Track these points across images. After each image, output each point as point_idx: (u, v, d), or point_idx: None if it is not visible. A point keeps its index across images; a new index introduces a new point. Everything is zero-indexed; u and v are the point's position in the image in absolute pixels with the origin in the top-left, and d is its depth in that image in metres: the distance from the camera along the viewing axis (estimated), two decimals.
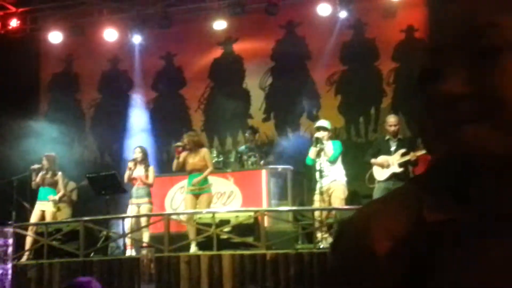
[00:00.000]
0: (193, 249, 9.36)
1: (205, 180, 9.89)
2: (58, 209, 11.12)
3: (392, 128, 9.63)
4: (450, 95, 0.90)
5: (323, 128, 9.59)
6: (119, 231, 10.34)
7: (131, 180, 10.22)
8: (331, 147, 9.46)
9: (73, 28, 13.16)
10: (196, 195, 9.82)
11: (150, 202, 10.23)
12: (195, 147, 9.96)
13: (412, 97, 11.99)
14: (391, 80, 12.49)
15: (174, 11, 12.87)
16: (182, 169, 10.00)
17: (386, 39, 12.58)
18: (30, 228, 10.38)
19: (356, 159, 10.46)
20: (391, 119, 9.77)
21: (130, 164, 10.28)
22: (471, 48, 0.90)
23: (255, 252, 8.82)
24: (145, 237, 9.92)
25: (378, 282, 0.94)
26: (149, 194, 10.25)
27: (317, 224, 9.28)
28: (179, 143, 10.14)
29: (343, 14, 11.89)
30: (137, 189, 10.19)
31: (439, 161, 0.98)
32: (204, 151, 10.07)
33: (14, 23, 13.67)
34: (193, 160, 9.87)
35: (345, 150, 9.81)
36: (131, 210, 10.17)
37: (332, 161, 9.38)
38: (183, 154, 9.95)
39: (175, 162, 10.06)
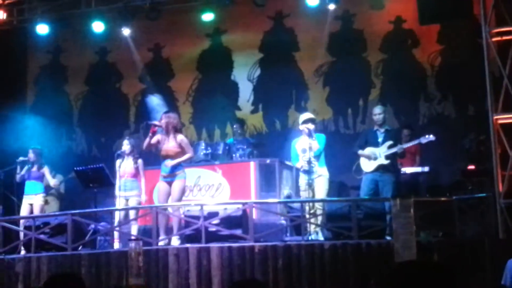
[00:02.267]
0: (175, 242, 9.30)
1: (179, 166, 9.50)
2: (46, 202, 11.10)
3: (377, 117, 9.65)
4: None
5: (312, 120, 9.56)
6: (108, 224, 10.32)
7: (152, 147, 9.68)
8: (317, 141, 9.42)
9: (61, 20, 13.06)
10: (169, 182, 9.45)
11: (138, 195, 10.20)
12: (172, 130, 9.46)
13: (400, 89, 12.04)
14: (379, 71, 12.48)
15: (162, 2, 12.79)
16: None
17: (374, 30, 12.56)
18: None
19: (344, 151, 10.48)
20: (376, 110, 9.80)
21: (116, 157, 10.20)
22: None
23: (243, 245, 8.81)
24: (133, 230, 9.89)
25: None
26: (137, 187, 10.22)
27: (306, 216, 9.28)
28: (155, 122, 9.62)
29: (331, 6, 11.85)
30: (125, 182, 10.13)
31: None
32: (181, 137, 9.56)
33: (0, 15, 13.56)
34: (168, 145, 9.45)
35: (333, 141, 9.83)
36: (119, 203, 10.12)
37: (318, 156, 9.35)
38: (157, 136, 9.47)
39: (146, 140, 9.52)
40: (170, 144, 9.46)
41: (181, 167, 9.53)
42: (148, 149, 9.69)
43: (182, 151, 9.46)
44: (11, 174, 11.07)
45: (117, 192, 10.15)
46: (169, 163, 9.40)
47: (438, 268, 2.84)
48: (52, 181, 10.98)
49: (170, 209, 9.50)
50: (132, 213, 10.10)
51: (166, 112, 9.87)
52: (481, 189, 9.42)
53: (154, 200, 10.21)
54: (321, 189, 9.33)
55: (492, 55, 9.54)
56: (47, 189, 11.21)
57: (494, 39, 9.64)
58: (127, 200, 10.12)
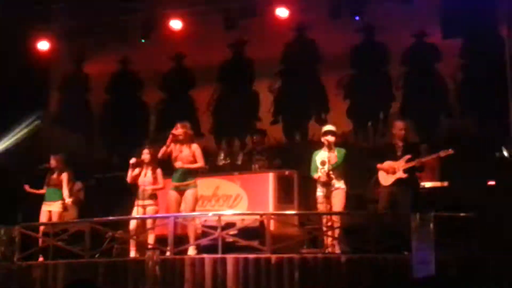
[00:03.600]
0: (191, 252, 9.30)
1: (191, 176, 9.55)
2: (65, 210, 11.15)
3: (400, 133, 9.57)
4: None
5: (332, 133, 9.50)
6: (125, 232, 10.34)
7: (134, 180, 10.10)
8: (336, 154, 9.36)
9: (84, 28, 13.14)
10: (181, 192, 9.51)
11: (156, 204, 10.19)
12: (187, 140, 9.57)
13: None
14: (401, 84, 12.42)
15: (185, 12, 12.83)
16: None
17: (396, 43, 12.51)
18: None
19: (363, 164, 10.41)
20: (399, 124, 9.70)
21: (132, 161, 10.20)
22: None
23: (259, 256, 8.78)
24: (150, 238, 9.89)
25: None
26: (155, 196, 10.22)
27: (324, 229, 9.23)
28: (174, 131, 9.67)
29: (353, 18, 11.82)
30: (143, 191, 10.15)
31: None
32: (195, 146, 9.63)
33: None
34: (181, 155, 9.54)
35: (352, 154, 9.73)
36: (137, 211, 10.13)
37: (336, 169, 9.29)
38: (172, 145, 9.58)
39: (163, 149, 9.61)
40: (184, 153, 9.54)
41: (193, 176, 9.55)
42: (165, 158, 9.71)
43: (195, 161, 9.51)
44: (32, 181, 11.14)
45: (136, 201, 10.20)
46: (179, 164, 9.46)
47: (456, 284, 2.81)
48: (66, 192, 10.99)
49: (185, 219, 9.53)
50: (149, 222, 10.09)
51: (181, 121, 9.88)
52: (501, 206, 9.30)
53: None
54: (339, 202, 9.27)
55: None
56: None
57: None
58: (144, 208, 10.12)
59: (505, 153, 10.05)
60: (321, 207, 9.27)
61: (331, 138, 9.37)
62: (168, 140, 9.59)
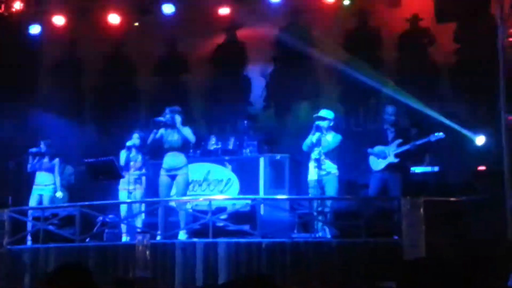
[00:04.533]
0: (182, 236, 9.28)
1: (182, 160, 9.48)
2: (56, 193, 11.12)
3: (389, 117, 9.56)
4: None
5: (323, 118, 9.50)
6: (116, 217, 10.33)
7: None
8: (330, 138, 9.36)
9: (77, 11, 13.07)
10: (172, 176, 9.45)
11: (143, 188, 10.20)
12: (177, 124, 9.46)
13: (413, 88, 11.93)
14: (393, 69, 12.38)
15: None
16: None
17: (390, 28, 12.46)
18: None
19: (354, 149, 10.40)
20: (389, 109, 9.70)
21: (126, 149, 10.22)
22: None
23: (251, 241, 8.77)
24: (139, 222, 9.87)
25: None
26: (141, 181, 10.22)
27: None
28: (160, 118, 9.61)
29: (347, 2, 11.77)
30: (130, 175, 10.14)
31: None
32: (185, 129, 9.51)
33: (17, 5, 13.61)
34: (172, 139, 9.51)
35: (343, 139, 9.70)
36: (123, 195, 10.12)
37: (327, 152, 9.28)
38: (161, 130, 9.51)
39: (151, 137, 9.56)
40: (174, 137, 9.48)
41: (184, 161, 9.51)
42: (153, 145, 9.68)
43: (186, 144, 9.46)
44: (22, 165, 11.11)
45: (121, 185, 10.20)
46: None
47: (450, 265, 2.80)
48: (58, 181, 10.99)
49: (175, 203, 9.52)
50: (138, 206, 10.09)
51: (170, 106, 9.81)
52: (491, 190, 9.31)
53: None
54: (330, 186, 9.26)
55: (508, 55, 9.43)
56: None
57: (511, 39, 9.53)
58: (131, 193, 10.10)
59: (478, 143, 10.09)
60: (312, 191, 9.27)
61: (322, 123, 9.36)
62: (155, 128, 9.51)
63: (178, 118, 9.50)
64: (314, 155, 9.26)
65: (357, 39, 12.64)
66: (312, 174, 9.32)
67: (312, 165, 9.31)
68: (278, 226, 9.35)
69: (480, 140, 10.39)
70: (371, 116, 12.31)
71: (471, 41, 11.82)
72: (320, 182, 9.19)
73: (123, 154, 10.24)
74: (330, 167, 9.31)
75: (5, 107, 12.69)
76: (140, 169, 10.26)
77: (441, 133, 9.41)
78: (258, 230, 8.89)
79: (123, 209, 10.09)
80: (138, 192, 10.16)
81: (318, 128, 9.32)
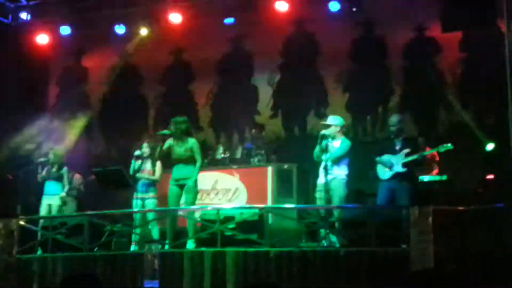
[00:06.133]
0: (190, 245, 9.30)
1: (190, 170, 9.43)
2: (64, 203, 11.16)
3: (392, 129, 9.52)
4: None
5: (329, 126, 9.51)
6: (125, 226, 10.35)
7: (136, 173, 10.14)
8: (337, 145, 9.37)
9: (84, 21, 13.16)
10: (181, 186, 9.42)
11: (155, 197, 10.22)
12: (183, 135, 9.42)
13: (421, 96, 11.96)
14: (400, 78, 12.40)
15: (184, 6, 12.82)
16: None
17: (396, 37, 12.48)
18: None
19: (362, 157, 10.39)
20: (392, 120, 9.65)
21: (135, 158, 10.26)
22: None
23: (258, 250, 8.77)
24: (155, 232, 9.92)
25: None
26: (154, 189, 10.24)
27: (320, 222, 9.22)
28: (165, 131, 9.55)
29: (353, 11, 11.79)
30: (142, 184, 10.18)
31: None
32: (192, 141, 9.48)
33: (24, 16, 13.71)
34: (179, 150, 9.43)
35: (351, 148, 9.69)
36: (136, 204, 10.15)
37: (334, 159, 9.28)
38: (168, 142, 9.45)
39: (157, 149, 9.55)
40: (181, 148, 9.45)
41: (193, 171, 9.47)
42: (161, 158, 9.71)
43: (193, 156, 9.43)
44: (30, 174, 11.15)
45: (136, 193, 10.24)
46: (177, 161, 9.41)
47: (456, 277, 2.81)
48: (66, 187, 11.03)
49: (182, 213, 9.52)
50: (149, 216, 10.13)
51: (175, 117, 9.76)
52: (500, 200, 9.30)
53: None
54: (336, 191, 9.25)
55: None
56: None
57: None
58: (143, 201, 10.15)
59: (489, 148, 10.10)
60: (318, 194, 9.25)
61: (327, 131, 9.37)
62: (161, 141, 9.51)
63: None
64: (323, 161, 9.26)
65: (363, 48, 12.67)
66: (321, 178, 9.31)
67: (321, 170, 9.30)
68: (286, 235, 9.36)
69: (490, 146, 10.39)
70: (379, 125, 12.31)
71: (477, 50, 11.84)
72: (326, 186, 9.18)
73: (132, 164, 10.28)
74: (338, 172, 9.31)
75: (13, 116, 12.73)
76: (153, 179, 10.28)
77: (449, 144, 9.39)
78: (266, 239, 8.90)
79: (136, 218, 10.12)
80: (151, 201, 10.16)
81: (323, 137, 9.31)
